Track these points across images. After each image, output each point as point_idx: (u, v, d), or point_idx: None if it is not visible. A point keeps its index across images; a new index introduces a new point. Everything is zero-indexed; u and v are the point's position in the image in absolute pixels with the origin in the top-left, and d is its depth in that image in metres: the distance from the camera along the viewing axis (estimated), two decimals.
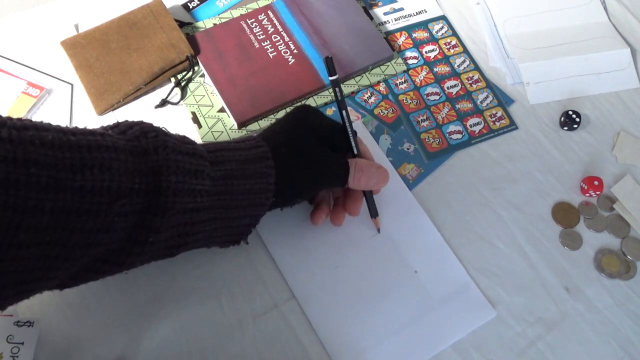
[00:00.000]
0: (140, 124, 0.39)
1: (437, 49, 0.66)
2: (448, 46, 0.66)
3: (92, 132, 0.36)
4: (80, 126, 0.37)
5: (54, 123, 0.35)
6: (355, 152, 0.51)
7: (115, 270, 0.39)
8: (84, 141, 0.34)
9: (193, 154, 0.39)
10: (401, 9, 0.68)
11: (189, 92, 0.60)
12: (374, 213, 0.53)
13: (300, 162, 0.46)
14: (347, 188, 0.50)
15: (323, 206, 0.52)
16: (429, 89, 0.63)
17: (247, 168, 0.42)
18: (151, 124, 0.40)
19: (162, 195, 0.36)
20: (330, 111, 0.61)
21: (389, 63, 0.64)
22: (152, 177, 0.36)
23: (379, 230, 0.53)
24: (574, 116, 0.61)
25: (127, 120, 0.40)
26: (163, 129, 0.40)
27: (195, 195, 0.39)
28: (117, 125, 0.39)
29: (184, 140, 0.40)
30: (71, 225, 0.32)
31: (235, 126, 0.58)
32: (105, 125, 0.40)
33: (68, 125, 0.36)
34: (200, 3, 0.66)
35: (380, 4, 0.69)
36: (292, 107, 0.49)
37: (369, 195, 0.52)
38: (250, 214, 0.44)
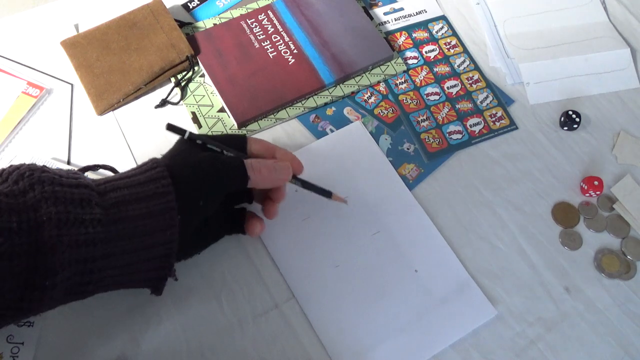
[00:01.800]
0: (19, 167, 0.37)
1: (437, 49, 0.66)
2: (448, 46, 0.66)
3: None
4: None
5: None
6: (245, 156, 0.48)
7: (21, 317, 0.37)
8: None
9: (76, 185, 0.37)
10: (401, 9, 0.68)
11: (189, 92, 0.60)
12: (327, 194, 0.51)
13: (196, 172, 0.43)
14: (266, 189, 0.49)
15: (253, 217, 0.51)
16: (429, 89, 0.63)
17: (142, 191, 0.40)
18: (30, 165, 0.37)
19: (45, 230, 0.34)
20: (330, 111, 0.61)
21: (389, 63, 0.64)
22: (31, 213, 0.34)
23: (346, 202, 0.52)
24: (574, 116, 0.61)
25: (10, 166, 0.38)
26: (43, 166, 0.37)
27: (85, 226, 0.36)
28: (0, 173, 0.37)
29: (68, 175, 0.38)
30: None
31: (236, 126, 0.58)
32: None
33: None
34: (200, 3, 0.66)
35: (380, 4, 0.69)
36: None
37: (308, 186, 0.50)
38: (159, 241, 0.40)
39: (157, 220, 0.40)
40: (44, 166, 0.38)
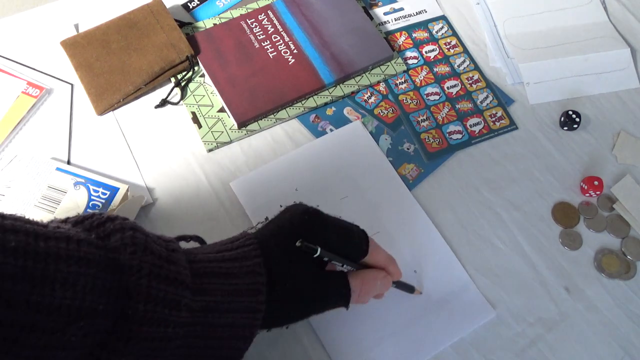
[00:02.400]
0: (124, 229, 0.34)
1: (437, 49, 0.66)
2: (448, 46, 0.66)
3: (68, 238, 0.31)
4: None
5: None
6: (352, 268, 0.45)
7: None
8: (54, 249, 0.30)
9: (173, 279, 0.34)
10: (401, 9, 0.68)
11: (189, 92, 0.60)
12: (410, 290, 0.50)
13: (295, 290, 0.40)
14: None
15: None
16: (429, 89, 0.63)
17: (235, 300, 0.38)
18: (135, 232, 0.34)
19: (128, 321, 0.32)
20: (330, 111, 0.61)
21: (389, 63, 0.64)
22: (120, 299, 0.32)
23: (421, 293, 0.51)
24: (574, 116, 0.61)
25: (117, 218, 0.35)
26: (147, 238, 0.35)
27: (167, 326, 0.34)
28: (103, 222, 0.35)
29: (168, 258, 0.35)
30: (22, 340, 0.29)
31: (236, 126, 0.58)
32: (96, 215, 0.35)
33: (43, 221, 0.32)
34: (200, 3, 0.66)
35: (380, 4, 0.69)
36: (298, 211, 0.43)
37: (395, 285, 0.49)
38: (230, 346, 0.39)
39: (237, 331, 0.38)
40: (147, 236, 0.35)
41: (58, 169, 0.53)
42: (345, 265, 0.44)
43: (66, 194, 0.51)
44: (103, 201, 0.51)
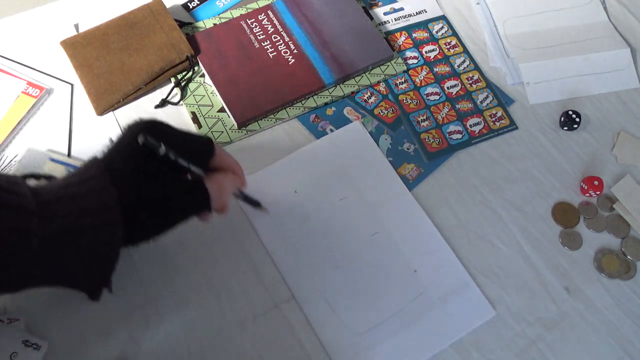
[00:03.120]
0: None
1: (437, 49, 0.66)
2: (448, 46, 0.66)
3: None
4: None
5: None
6: (200, 172, 0.44)
7: None
8: None
9: (16, 206, 0.35)
10: (401, 9, 0.68)
11: (189, 92, 0.60)
12: (255, 204, 0.51)
13: (152, 200, 0.40)
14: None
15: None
16: (429, 89, 0.63)
17: (87, 220, 0.37)
18: None
19: None
20: (330, 111, 0.61)
21: (389, 63, 0.64)
22: None
23: (268, 212, 0.52)
24: (574, 116, 0.61)
25: None
26: None
27: (18, 257, 0.35)
28: None
29: (8, 181, 0.36)
30: None
31: (235, 126, 0.58)
32: None
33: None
34: (200, 3, 0.66)
35: (380, 4, 0.69)
36: (137, 124, 0.41)
37: (242, 199, 0.50)
38: (97, 264, 0.39)
39: (99, 235, 0.38)
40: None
41: (52, 159, 0.53)
42: (192, 168, 0.43)
43: None
44: None
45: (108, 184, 0.39)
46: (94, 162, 0.40)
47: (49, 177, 0.44)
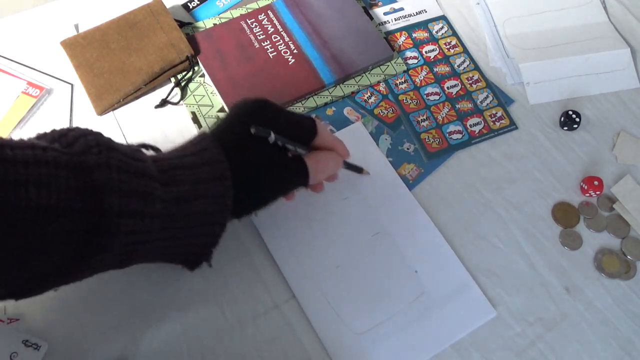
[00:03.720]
0: (86, 134, 0.36)
1: (437, 49, 0.66)
2: (448, 46, 0.66)
3: (33, 145, 0.33)
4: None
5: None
6: (305, 151, 0.47)
7: (62, 282, 0.37)
8: (21, 156, 0.32)
9: (142, 174, 0.37)
10: (401, 9, 0.68)
11: (189, 92, 0.60)
12: (358, 170, 0.55)
13: (258, 174, 0.43)
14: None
15: None
16: (429, 89, 0.63)
17: (202, 188, 0.40)
18: (98, 135, 0.37)
19: (105, 217, 0.34)
20: (330, 111, 0.61)
21: (389, 63, 0.64)
22: (94, 196, 0.34)
23: (369, 174, 0.56)
24: (574, 116, 0.61)
25: (77, 128, 0.37)
26: (109, 141, 0.37)
27: (142, 218, 0.36)
28: (65, 134, 0.36)
29: (134, 156, 0.37)
30: (2, 244, 0.31)
31: None
32: (56, 130, 0.37)
33: (13, 138, 0.34)
34: (200, 3, 0.66)
35: (380, 4, 0.69)
36: (247, 103, 0.45)
37: (345, 167, 0.53)
38: (206, 233, 0.43)
39: (210, 218, 0.41)
40: (110, 140, 0.37)
41: None
42: (297, 149, 0.46)
43: None
44: None
45: (222, 157, 0.41)
46: (204, 137, 0.43)
47: (156, 149, 0.46)
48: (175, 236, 0.40)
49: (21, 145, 0.33)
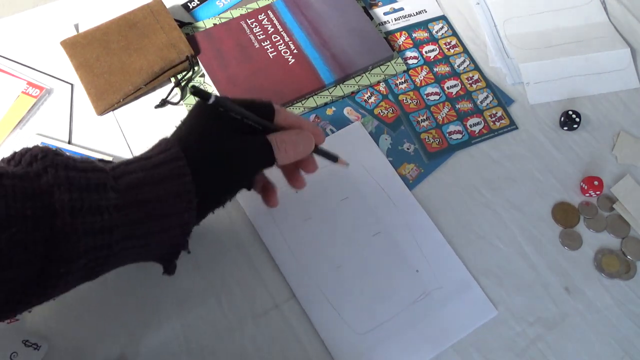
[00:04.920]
0: (31, 149, 0.36)
1: (437, 49, 0.66)
2: (448, 46, 0.66)
3: None
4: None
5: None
6: (270, 126, 0.45)
7: (35, 303, 0.36)
8: None
9: (91, 169, 0.36)
10: (401, 9, 0.68)
11: (189, 92, 0.60)
12: (333, 159, 0.50)
13: (220, 160, 0.41)
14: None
15: (268, 187, 0.49)
16: (429, 89, 0.63)
17: (157, 173, 0.38)
18: (43, 147, 0.36)
19: (58, 218, 0.33)
20: (330, 111, 0.61)
21: (389, 63, 0.64)
22: (46, 199, 0.33)
23: (348, 165, 0.52)
24: (574, 116, 0.61)
25: (23, 148, 0.36)
26: (56, 149, 0.36)
27: (101, 212, 0.35)
28: (13, 156, 0.36)
29: (82, 160, 0.37)
30: None
31: None
32: (4, 157, 0.37)
33: None
34: (200, 3, 0.66)
35: (380, 4, 0.69)
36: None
37: (317, 152, 0.49)
38: (176, 223, 0.40)
39: (174, 204, 0.39)
40: (57, 149, 0.36)
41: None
42: (258, 124, 0.44)
43: None
44: None
45: (180, 154, 0.40)
46: (162, 140, 0.42)
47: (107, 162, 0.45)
48: (141, 232, 0.38)
49: None
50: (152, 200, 0.38)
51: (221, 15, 0.65)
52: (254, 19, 0.63)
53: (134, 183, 0.37)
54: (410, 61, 0.65)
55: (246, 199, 0.54)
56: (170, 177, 0.39)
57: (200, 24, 0.64)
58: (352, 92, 0.62)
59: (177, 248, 0.42)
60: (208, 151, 0.41)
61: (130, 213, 0.37)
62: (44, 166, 0.34)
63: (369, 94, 0.62)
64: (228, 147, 0.42)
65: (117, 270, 0.40)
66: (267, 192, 0.49)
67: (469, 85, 0.64)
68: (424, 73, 0.64)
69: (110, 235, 0.36)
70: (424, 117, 0.61)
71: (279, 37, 0.62)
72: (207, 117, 0.42)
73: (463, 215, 0.56)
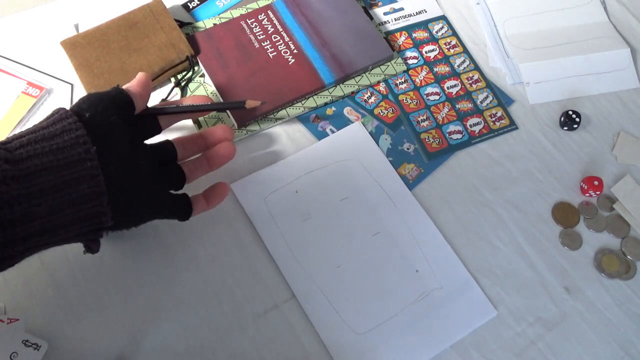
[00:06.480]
0: None
1: (437, 49, 0.66)
2: (448, 46, 0.66)
3: None
4: None
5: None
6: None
7: None
8: None
9: None
10: (401, 9, 0.68)
11: (189, 92, 0.60)
12: (239, 105, 0.52)
13: (122, 150, 0.41)
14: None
15: (212, 192, 0.50)
16: (429, 89, 0.63)
17: (55, 143, 0.37)
18: None
19: None
20: (330, 111, 0.61)
21: (389, 63, 0.64)
22: None
23: (262, 102, 0.53)
24: (574, 116, 0.61)
25: None
26: None
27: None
28: None
29: None
30: None
31: (236, 126, 0.58)
32: None
33: None
34: (200, 3, 0.66)
35: (380, 4, 0.69)
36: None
37: (220, 108, 0.50)
38: (86, 190, 0.37)
39: (78, 171, 0.37)
40: None
41: None
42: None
43: None
44: None
45: (78, 124, 0.38)
46: (59, 109, 0.41)
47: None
48: (50, 208, 0.36)
49: None
50: (53, 168, 0.36)
51: (221, 15, 0.65)
52: (254, 19, 0.63)
53: (30, 154, 0.36)
54: (410, 61, 0.65)
55: (246, 198, 0.54)
56: (69, 146, 0.37)
57: (200, 24, 0.64)
58: (352, 92, 0.62)
59: (98, 220, 0.39)
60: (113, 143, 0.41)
61: (32, 184, 0.35)
62: None
63: (369, 94, 0.62)
64: (133, 156, 0.42)
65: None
66: (211, 195, 0.50)
67: (469, 85, 0.64)
68: (424, 73, 0.64)
69: (12, 209, 0.34)
70: (424, 117, 0.61)
71: (279, 37, 0.62)
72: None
73: (463, 215, 0.56)
